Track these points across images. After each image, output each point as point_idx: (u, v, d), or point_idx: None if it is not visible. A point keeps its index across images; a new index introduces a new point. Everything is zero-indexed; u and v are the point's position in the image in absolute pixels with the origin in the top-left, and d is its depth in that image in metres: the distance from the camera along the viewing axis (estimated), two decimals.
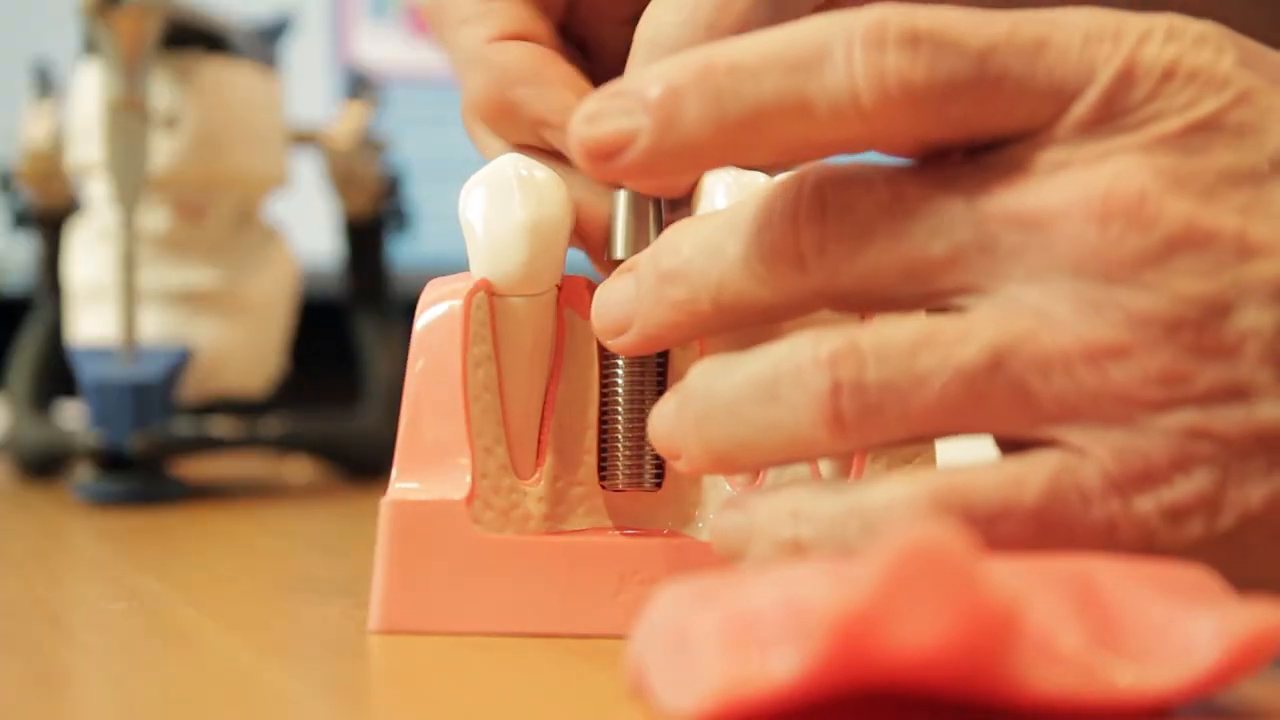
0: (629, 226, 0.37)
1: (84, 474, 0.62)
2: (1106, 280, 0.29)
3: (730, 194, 0.36)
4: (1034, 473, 0.29)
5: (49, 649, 0.34)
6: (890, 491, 0.30)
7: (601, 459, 0.37)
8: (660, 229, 0.37)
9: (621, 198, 0.37)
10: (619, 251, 0.37)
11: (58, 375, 0.73)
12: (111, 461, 0.61)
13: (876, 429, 0.30)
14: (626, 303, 0.33)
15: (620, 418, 0.36)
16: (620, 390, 0.36)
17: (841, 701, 0.25)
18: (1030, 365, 0.29)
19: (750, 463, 0.32)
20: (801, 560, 0.30)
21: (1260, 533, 0.29)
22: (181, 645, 0.34)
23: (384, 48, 1.15)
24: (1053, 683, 0.25)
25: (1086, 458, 0.29)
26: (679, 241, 0.32)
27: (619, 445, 0.36)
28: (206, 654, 0.33)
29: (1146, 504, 0.29)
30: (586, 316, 0.37)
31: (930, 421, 0.29)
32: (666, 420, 0.32)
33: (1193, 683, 0.26)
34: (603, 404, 0.37)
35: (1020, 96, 0.30)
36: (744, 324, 0.33)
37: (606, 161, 0.31)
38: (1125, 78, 0.30)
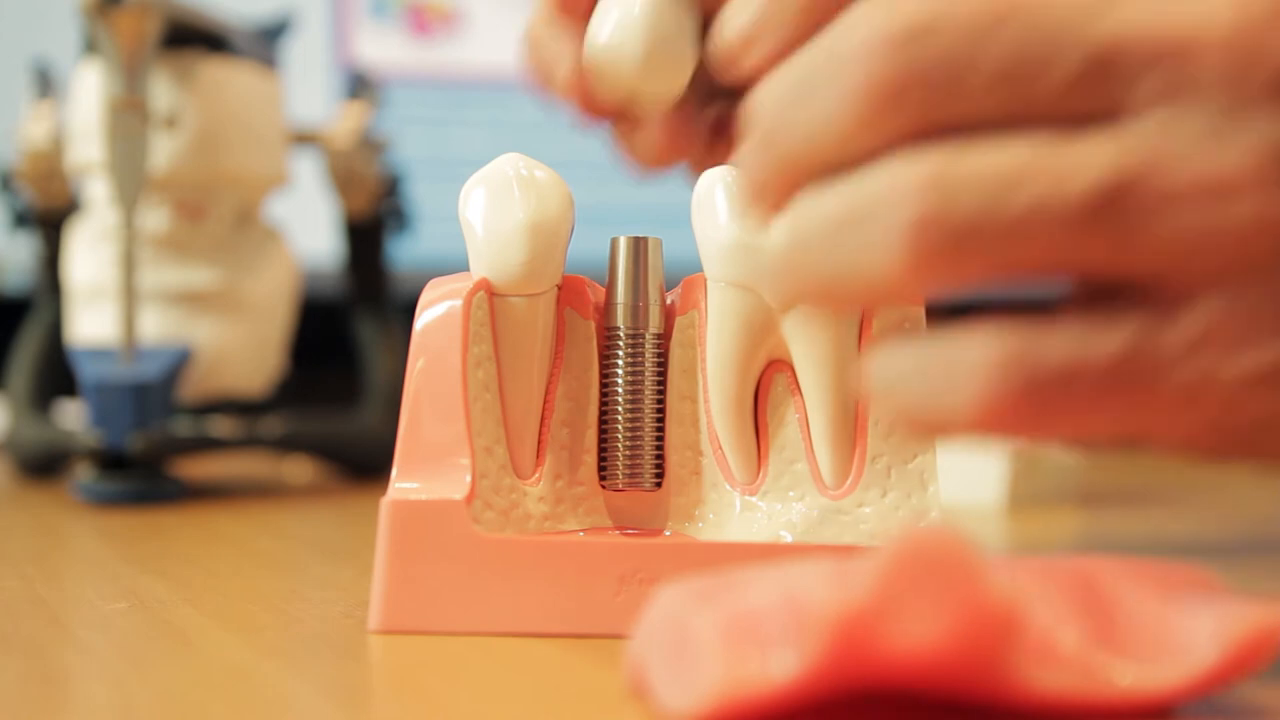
0: (629, 273, 0.37)
1: (84, 474, 0.62)
2: (1235, 107, 0.27)
3: (729, 194, 0.36)
4: (1114, 329, 0.27)
5: (49, 649, 0.34)
6: (968, 342, 0.28)
7: (601, 459, 0.37)
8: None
9: (622, 244, 0.37)
10: (620, 295, 0.37)
11: (58, 375, 0.73)
12: (111, 461, 0.61)
13: (964, 266, 0.27)
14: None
15: (620, 418, 0.36)
16: (620, 390, 0.36)
17: (841, 701, 0.25)
18: (1143, 202, 0.27)
19: (842, 298, 0.29)
20: (892, 401, 0.29)
21: None
22: (181, 645, 0.34)
23: (384, 48, 1.15)
24: (1053, 683, 0.25)
25: (1179, 312, 0.27)
26: (772, 93, 0.30)
27: (619, 445, 0.36)
28: (206, 654, 0.33)
29: (1235, 367, 0.27)
30: (587, 316, 0.37)
31: (1025, 260, 0.27)
32: (774, 261, 0.30)
33: (1193, 683, 0.26)
34: (603, 404, 0.37)
35: None
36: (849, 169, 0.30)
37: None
38: None
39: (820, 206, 0.29)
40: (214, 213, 0.69)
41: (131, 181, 0.62)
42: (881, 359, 0.29)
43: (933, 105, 0.28)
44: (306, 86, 1.09)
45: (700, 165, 0.42)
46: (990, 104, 0.28)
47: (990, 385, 0.27)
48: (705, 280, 0.36)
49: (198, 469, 0.73)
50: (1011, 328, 0.28)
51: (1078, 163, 0.27)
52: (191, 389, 0.68)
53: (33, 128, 0.72)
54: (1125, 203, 0.27)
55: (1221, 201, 0.27)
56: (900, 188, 0.27)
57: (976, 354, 0.28)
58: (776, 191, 0.30)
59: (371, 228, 0.78)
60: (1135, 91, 0.27)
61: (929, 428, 0.29)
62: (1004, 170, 0.27)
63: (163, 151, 0.66)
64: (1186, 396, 0.27)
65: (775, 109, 0.30)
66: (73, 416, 0.76)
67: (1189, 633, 0.26)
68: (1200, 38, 0.27)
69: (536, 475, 0.36)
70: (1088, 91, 0.27)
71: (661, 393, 0.37)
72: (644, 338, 0.37)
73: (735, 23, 0.34)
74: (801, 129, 0.29)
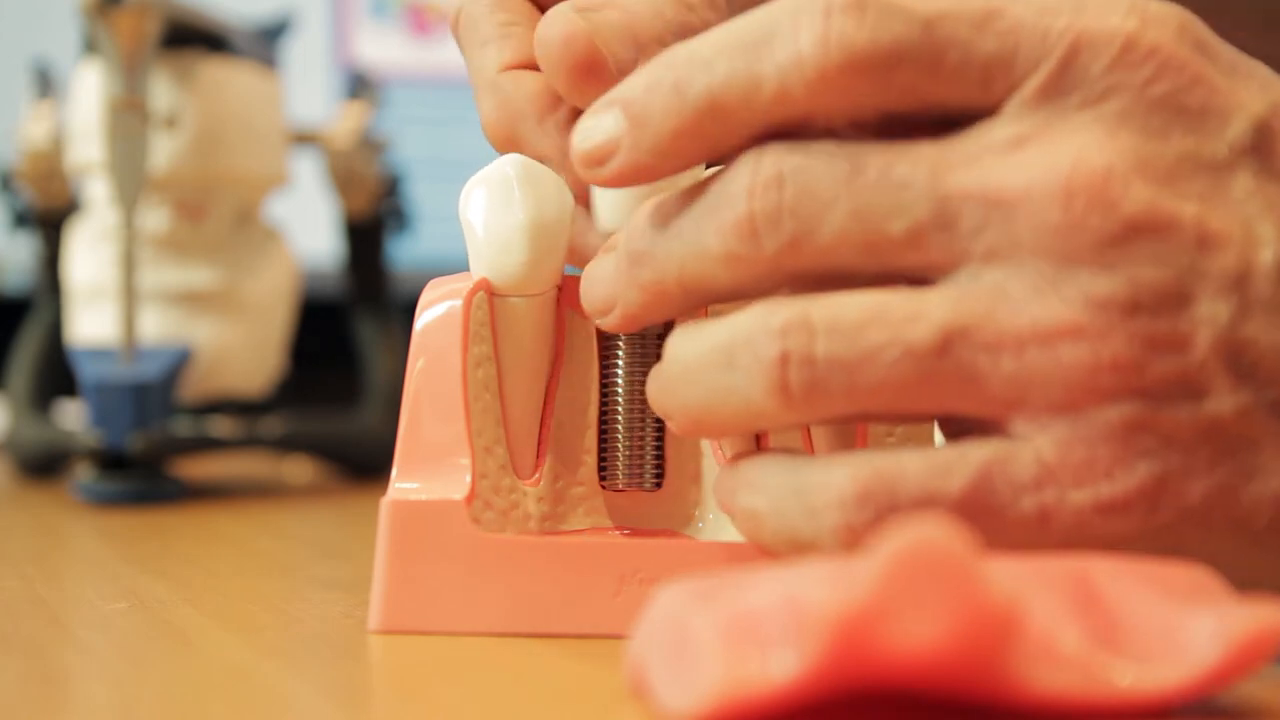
0: (608, 196, 0.37)
1: (84, 474, 0.62)
2: (1066, 261, 0.29)
3: None
4: (964, 462, 0.29)
5: (49, 649, 0.34)
6: (826, 474, 0.30)
7: (601, 459, 0.37)
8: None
9: None
10: (602, 223, 0.37)
11: (58, 375, 0.73)
12: (111, 461, 0.61)
13: (823, 403, 0.30)
14: (608, 283, 0.33)
15: (620, 418, 0.36)
16: (620, 390, 0.36)
17: (841, 701, 0.25)
18: (981, 347, 0.29)
19: (715, 428, 0.32)
20: (758, 529, 0.31)
21: (1196, 527, 0.29)
22: (181, 645, 0.34)
23: (384, 48, 1.15)
24: (1053, 683, 0.25)
25: (1024, 447, 0.29)
26: (645, 222, 0.32)
27: (619, 445, 0.36)
28: (206, 654, 0.33)
29: (1082, 496, 0.29)
30: (586, 316, 0.37)
31: (877, 399, 0.29)
32: (652, 388, 0.33)
33: (1193, 683, 0.26)
34: (603, 404, 0.37)
35: (967, 64, 0.30)
36: (712, 304, 0.33)
37: (600, 168, 0.32)
38: (1081, 47, 0.29)
39: (695, 340, 0.31)
40: (214, 213, 0.69)
41: (131, 181, 0.62)
42: (746, 476, 0.31)
43: (790, 246, 0.30)
44: (306, 86, 1.09)
45: None
46: (844, 249, 0.30)
47: (849, 518, 0.30)
48: None
49: (198, 469, 0.73)
50: (869, 457, 0.30)
51: (920, 309, 0.29)
52: (191, 389, 0.68)
53: (33, 128, 0.72)
54: (963, 347, 0.29)
55: (1053, 347, 0.29)
56: (765, 328, 0.30)
57: (836, 488, 0.30)
58: (638, 309, 0.32)
59: (371, 228, 0.78)
60: (974, 245, 0.29)
61: (790, 549, 0.31)
62: (856, 316, 0.29)
63: (163, 151, 0.66)
64: (1037, 522, 0.29)
65: (649, 236, 0.32)
66: (73, 416, 0.76)
67: (1189, 633, 0.26)
68: (1031, 201, 0.29)
69: (536, 475, 0.36)
70: (931, 242, 0.29)
71: None
72: (644, 338, 0.37)
73: (590, 137, 0.32)
74: (674, 257, 0.31)
